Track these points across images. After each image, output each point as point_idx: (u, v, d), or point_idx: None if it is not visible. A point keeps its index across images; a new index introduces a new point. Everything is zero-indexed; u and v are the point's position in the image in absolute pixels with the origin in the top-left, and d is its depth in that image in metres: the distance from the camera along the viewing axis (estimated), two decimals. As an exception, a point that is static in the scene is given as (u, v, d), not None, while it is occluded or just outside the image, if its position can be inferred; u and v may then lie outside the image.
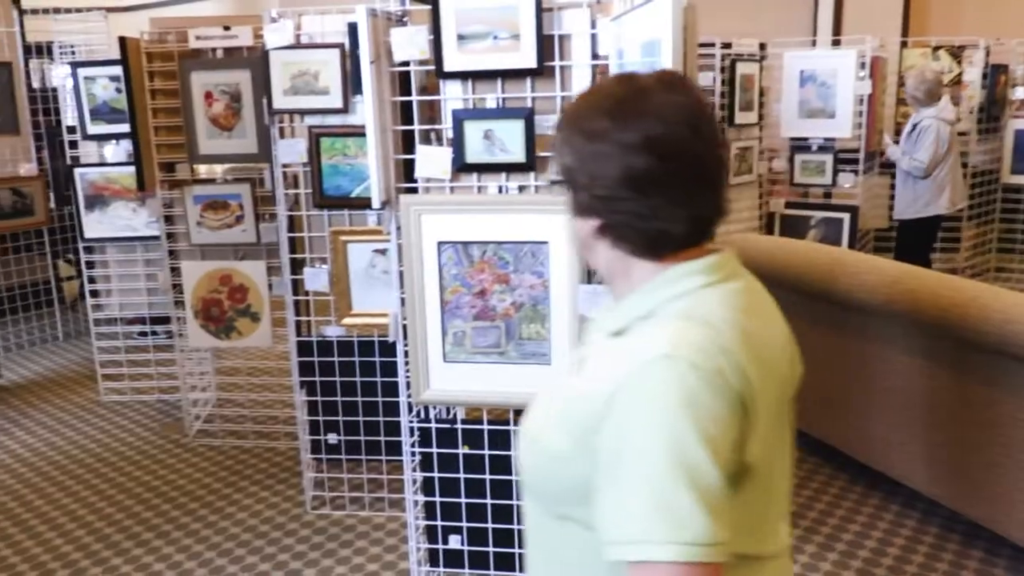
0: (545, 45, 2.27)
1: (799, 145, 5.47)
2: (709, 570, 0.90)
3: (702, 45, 4.96)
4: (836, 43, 6.62)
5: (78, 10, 5.90)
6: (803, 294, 3.48)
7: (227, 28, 3.71)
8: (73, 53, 5.33)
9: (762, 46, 5.78)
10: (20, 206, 5.32)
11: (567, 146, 1.08)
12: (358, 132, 3.09)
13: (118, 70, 4.06)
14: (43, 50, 6.06)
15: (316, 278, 3.21)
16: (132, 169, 4.07)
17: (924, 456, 3.10)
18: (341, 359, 3.31)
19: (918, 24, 7.03)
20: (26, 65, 5.74)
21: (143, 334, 5.15)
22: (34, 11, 5.75)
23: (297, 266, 3.33)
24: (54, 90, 5.84)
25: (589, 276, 2.36)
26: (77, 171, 4.59)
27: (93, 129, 4.55)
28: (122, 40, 3.69)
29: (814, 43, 6.81)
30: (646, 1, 1.75)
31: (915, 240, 5.41)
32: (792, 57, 5.39)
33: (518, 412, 2.55)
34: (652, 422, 0.94)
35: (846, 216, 5.29)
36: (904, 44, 6.55)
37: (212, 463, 3.87)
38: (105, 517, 3.40)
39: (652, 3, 1.69)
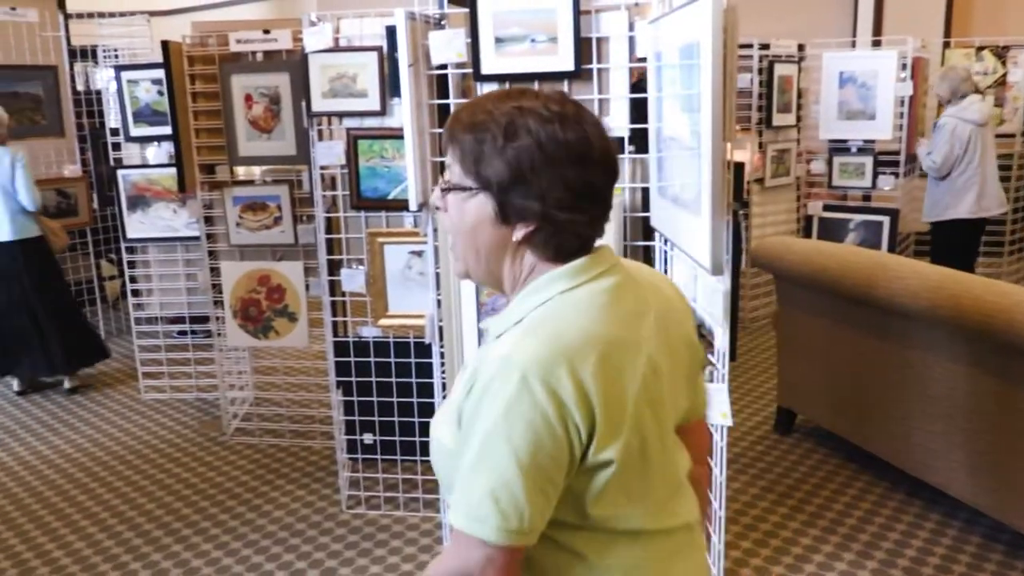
0: (582, 48, 2.27)
1: (838, 147, 5.40)
2: (516, 552, 1.05)
3: (740, 47, 4.92)
4: (876, 44, 6.52)
5: (122, 14, 6.01)
6: (842, 298, 3.43)
7: (267, 32, 3.76)
8: (116, 57, 5.43)
9: (800, 47, 5.72)
10: (64, 206, 5.42)
11: (521, 153, 1.08)
12: (395, 134, 3.12)
13: (160, 73, 4.13)
14: (88, 54, 6.19)
15: (353, 279, 3.24)
16: (173, 171, 4.15)
17: (966, 464, 3.05)
18: (377, 359, 3.33)
19: (961, 24, 6.91)
20: (71, 69, 5.86)
21: (182, 333, 5.23)
22: (79, 15, 5.87)
23: (334, 267, 3.36)
24: (98, 93, 5.96)
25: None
26: (120, 172, 4.67)
27: (136, 131, 4.63)
28: (164, 44, 3.75)
29: (854, 44, 6.71)
30: (686, 3, 1.74)
31: (945, 243, 5.24)
32: (831, 58, 5.33)
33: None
34: (490, 417, 1.03)
35: (886, 219, 5.22)
36: (947, 44, 6.45)
37: (249, 461, 3.91)
38: (145, 513, 3.46)
39: (692, 5, 1.68)
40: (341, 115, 3.23)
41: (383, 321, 3.29)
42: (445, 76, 2.44)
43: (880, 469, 3.54)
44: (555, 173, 1.08)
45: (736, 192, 1.72)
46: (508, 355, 1.05)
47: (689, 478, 1.25)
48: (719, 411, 1.79)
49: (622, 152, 2.33)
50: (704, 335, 1.85)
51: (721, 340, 1.76)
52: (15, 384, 4.92)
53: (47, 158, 5.74)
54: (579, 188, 1.09)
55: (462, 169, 1.11)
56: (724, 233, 1.66)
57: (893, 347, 3.28)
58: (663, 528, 1.18)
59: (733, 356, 1.79)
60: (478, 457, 1.05)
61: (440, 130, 2.47)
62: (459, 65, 2.40)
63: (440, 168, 2.50)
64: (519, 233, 1.11)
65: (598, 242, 1.16)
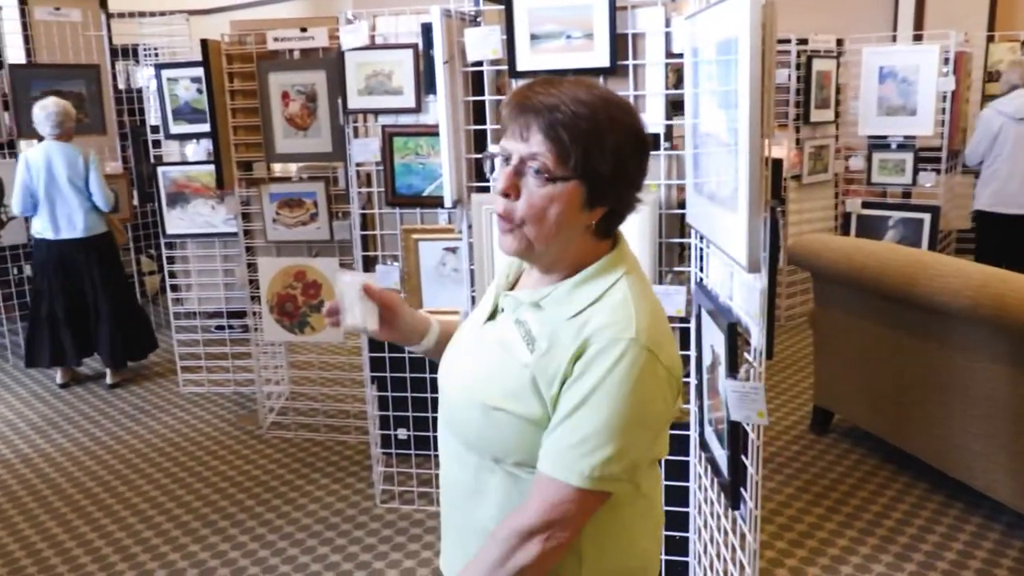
0: (618, 44, 2.26)
1: (877, 143, 5.32)
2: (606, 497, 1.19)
3: (777, 42, 4.86)
4: (918, 38, 6.41)
5: (162, 13, 6.11)
6: (882, 296, 3.38)
7: (304, 30, 3.79)
8: (156, 55, 5.52)
9: (839, 42, 5.64)
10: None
11: (620, 144, 1.17)
12: (431, 131, 3.13)
13: (199, 71, 4.19)
14: (128, 53, 6.29)
15: (388, 275, 3.25)
16: (212, 167, 4.20)
17: (1009, 467, 2.99)
18: (411, 355, 3.35)
19: (1005, 17, 6.77)
20: (113, 67, 5.96)
21: (220, 328, 5.30)
22: (120, 15, 5.97)
23: (369, 263, 3.38)
24: (139, 91, 6.06)
25: (660, 277, 2.34)
26: (160, 169, 4.75)
27: (175, 129, 4.70)
28: (203, 43, 3.80)
29: (894, 38, 6.61)
30: (723, -1, 1.72)
31: (979, 236, 5.37)
32: (871, 53, 5.25)
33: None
34: (620, 391, 1.14)
35: (926, 216, 5.13)
36: (991, 38, 6.32)
37: (285, 455, 3.96)
38: (183, 504, 3.52)
39: (729, 1, 1.67)
40: (377, 112, 3.25)
41: (417, 317, 3.30)
42: (480, 73, 2.44)
43: (919, 470, 3.48)
44: (639, 162, 1.21)
45: (774, 189, 1.70)
46: (624, 330, 1.15)
47: None
48: (755, 410, 1.77)
49: (656, 149, 2.32)
50: (740, 333, 1.84)
51: (757, 338, 1.75)
52: (58, 376, 5.02)
53: (89, 155, 5.86)
54: (644, 175, 1.23)
55: (557, 157, 1.15)
56: (761, 230, 1.64)
57: (934, 346, 3.22)
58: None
59: (769, 355, 1.77)
60: (607, 424, 1.14)
61: (475, 127, 2.48)
62: (494, 62, 2.40)
63: (476, 163, 2.50)
64: (596, 216, 1.20)
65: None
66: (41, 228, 4.69)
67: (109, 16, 5.89)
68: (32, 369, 5.11)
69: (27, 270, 5.68)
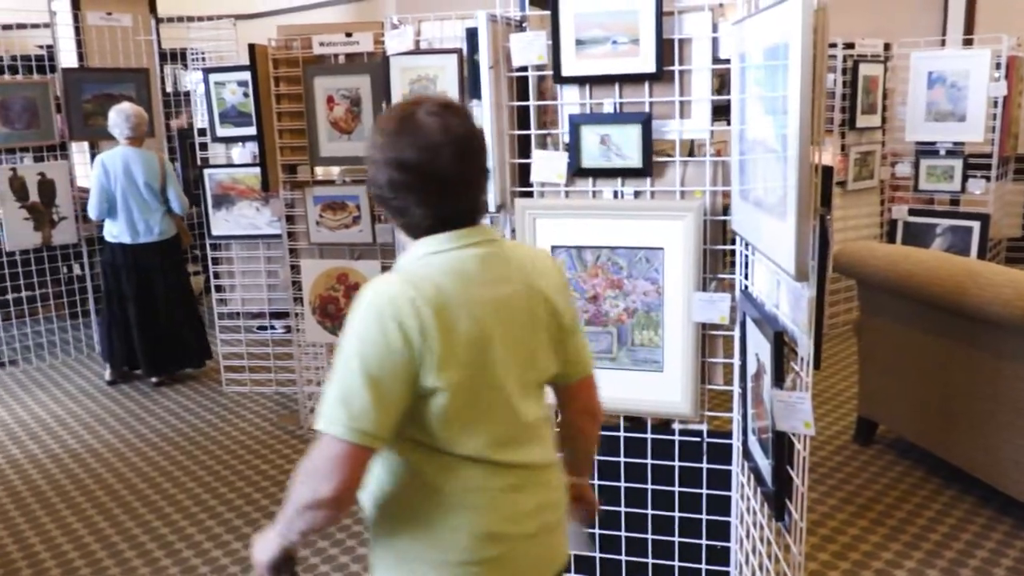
0: (664, 49, 2.25)
1: (925, 149, 5.23)
2: (364, 451, 1.29)
3: (824, 46, 4.80)
4: (968, 42, 6.29)
5: (209, 18, 6.21)
6: (930, 306, 3.32)
7: (349, 35, 3.83)
8: (204, 59, 5.61)
9: (887, 46, 5.55)
10: (153, 204, 5.62)
11: (369, 170, 1.41)
12: (474, 136, 3.14)
13: (246, 75, 4.25)
14: (176, 57, 6.41)
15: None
16: (257, 170, 4.26)
17: (1061, 482, 2.92)
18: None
19: (1060, 21, 6.61)
20: (161, 71, 6.08)
21: (263, 328, 5.37)
22: (169, 20, 6.08)
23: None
24: (186, 94, 6.17)
25: (704, 284, 2.32)
26: (206, 172, 4.82)
27: (222, 132, 4.77)
28: (251, 47, 3.86)
29: (943, 43, 6.49)
30: (774, 3, 1.71)
31: None
32: (920, 58, 5.16)
33: (628, 419, 2.54)
34: (347, 335, 1.32)
35: (976, 224, 5.03)
36: (1044, 42, 6.17)
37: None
38: (225, 501, 3.56)
39: (780, 5, 1.65)
40: (421, 117, 3.27)
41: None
42: (525, 78, 2.44)
43: (966, 483, 3.41)
44: (393, 189, 1.38)
45: (824, 196, 1.68)
46: (370, 286, 1.35)
47: (575, 429, 1.62)
48: (802, 420, 1.75)
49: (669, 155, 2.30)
50: (787, 342, 1.81)
51: (805, 348, 1.72)
52: (107, 374, 5.12)
53: (138, 157, 5.98)
54: (408, 198, 1.38)
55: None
56: (810, 238, 1.62)
57: (984, 357, 3.16)
58: (503, 461, 1.40)
59: (817, 365, 1.75)
60: (336, 368, 1.32)
61: (520, 132, 2.48)
62: (539, 67, 2.40)
63: (520, 168, 2.50)
64: (397, 223, 1.45)
65: (485, 221, 1.46)
66: (118, 232, 4.78)
67: (158, 21, 6.01)
68: (80, 362, 5.21)
69: (76, 269, 5.81)
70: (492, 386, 1.38)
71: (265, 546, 1.44)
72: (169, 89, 6.58)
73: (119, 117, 4.68)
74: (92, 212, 4.79)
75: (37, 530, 3.41)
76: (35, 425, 4.51)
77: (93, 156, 5.84)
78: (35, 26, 5.82)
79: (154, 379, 5.03)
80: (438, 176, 1.35)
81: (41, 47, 5.95)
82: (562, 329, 1.50)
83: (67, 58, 5.72)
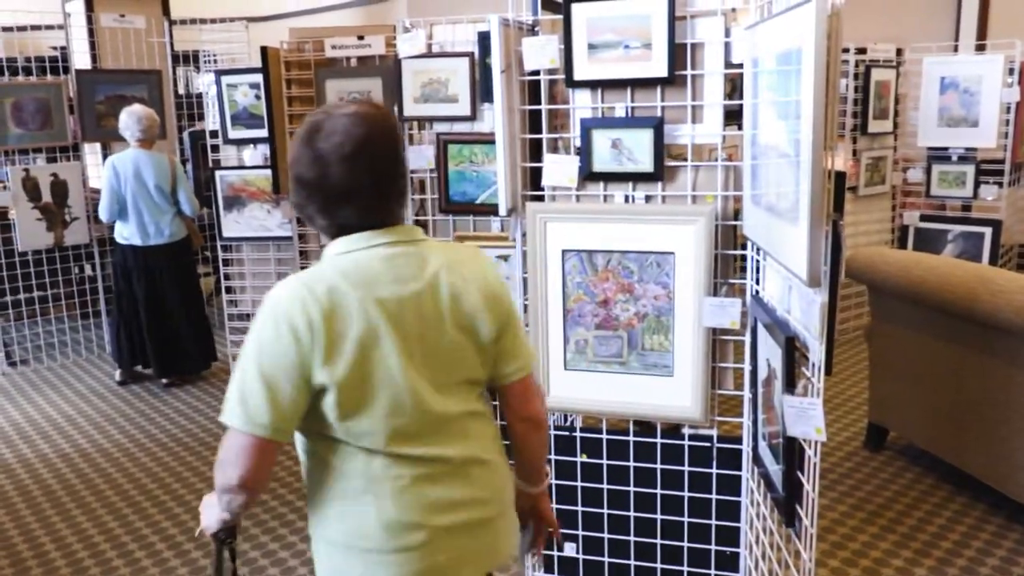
0: (677, 54, 2.25)
1: (937, 155, 5.20)
2: (264, 442, 1.39)
3: (835, 51, 4.79)
4: (980, 48, 6.26)
5: (222, 20, 6.24)
6: (941, 312, 3.31)
7: (361, 38, 3.84)
8: (216, 62, 5.63)
9: (899, 52, 5.54)
10: (165, 205, 5.64)
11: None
12: (485, 139, 3.15)
13: (258, 78, 4.27)
14: (189, 59, 6.44)
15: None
16: (268, 172, 4.27)
17: (1073, 490, 2.90)
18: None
19: (1074, 27, 6.57)
20: (173, 73, 6.10)
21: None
22: (182, 22, 6.11)
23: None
24: (198, 96, 6.19)
25: (715, 289, 2.32)
26: (217, 173, 4.84)
27: (233, 134, 4.79)
28: (263, 50, 3.88)
29: (956, 48, 6.46)
30: (788, 8, 1.70)
31: None
32: (932, 63, 5.14)
33: (638, 423, 2.53)
34: (248, 336, 1.43)
35: (987, 230, 5.00)
36: (1058, 48, 6.14)
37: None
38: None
39: (794, 10, 1.65)
40: (432, 120, 3.28)
41: (468, 324, 3.32)
42: (536, 82, 2.45)
43: (978, 491, 3.39)
44: (297, 196, 1.49)
45: (837, 202, 1.67)
46: (272, 289, 1.44)
47: (515, 435, 1.63)
48: (813, 426, 1.74)
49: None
50: (798, 347, 1.81)
51: (817, 353, 1.72)
52: (117, 375, 5.14)
53: (150, 158, 6.00)
54: (309, 205, 1.49)
55: None
56: (822, 244, 1.62)
57: (996, 364, 3.14)
58: (406, 454, 1.46)
59: (828, 370, 1.74)
60: (238, 366, 1.42)
61: (532, 136, 2.49)
62: (551, 71, 2.41)
63: (531, 171, 2.51)
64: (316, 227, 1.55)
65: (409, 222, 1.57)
66: (129, 234, 4.81)
67: (171, 23, 6.03)
68: (91, 362, 5.23)
69: (88, 270, 5.84)
70: (388, 381, 1.43)
71: (209, 513, 1.58)
72: (181, 91, 6.61)
73: (130, 119, 4.70)
74: (103, 214, 4.81)
75: (47, 528, 3.42)
76: (46, 424, 4.53)
77: (105, 157, 5.88)
78: (49, 27, 5.85)
79: (164, 380, 5.05)
80: (332, 190, 1.43)
81: (55, 48, 5.99)
82: (487, 331, 1.52)
83: (80, 60, 5.75)
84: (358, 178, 1.43)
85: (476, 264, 1.56)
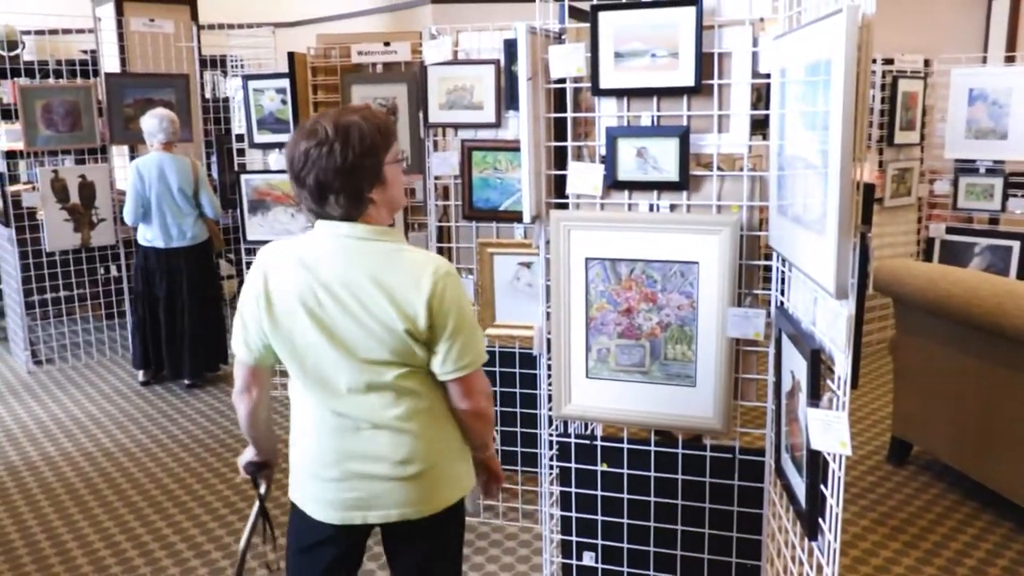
0: (704, 63, 2.24)
1: (965, 167, 5.15)
2: (244, 366, 1.85)
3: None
4: (1010, 59, 6.20)
5: (249, 25, 6.29)
6: (968, 326, 3.27)
7: (387, 44, 3.86)
8: (242, 66, 5.68)
9: (927, 62, 5.49)
10: (190, 208, 5.69)
11: None
12: (510, 146, 3.15)
13: (284, 83, 4.30)
14: (216, 63, 6.50)
15: (462, 288, 3.27)
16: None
17: (1102, 509, 2.85)
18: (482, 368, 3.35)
19: (1105, 39, 6.50)
20: (200, 77, 6.16)
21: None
22: (210, 26, 6.17)
23: (443, 275, 3.41)
24: (225, 100, 6.24)
25: (739, 299, 2.31)
26: (243, 177, 4.87)
27: (259, 138, 4.82)
28: (291, 55, 3.91)
29: (984, 59, 6.40)
30: (817, 19, 1.69)
31: None
32: (960, 74, 5.09)
33: (659, 432, 2.52)
34: None
35: (1016, 244, 4.94)
36: (1089, 60, 6.07)
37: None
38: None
39: (824, 21, 1.64)
40: (457, 126, 3.29)
41: (490, 331, 3.32)
42: (562, 90, 2.45)
43: (1003, 508, 3.35)
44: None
45: (865, 214, 1.66)
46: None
47: (459, 420, 1.84)
48: (837, 439, 1.73)
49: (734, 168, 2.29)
50: (824, 360, 1.79)
51: (842, 366, 1.70)
52: (140, 375, 5.19)
53: (176, 162, 6.06)
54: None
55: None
56: (850, 256, 1.61)
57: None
58: (330, 407, 1.77)
59: (854, 384, 1.73)
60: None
61: (556, 143, 2.49)
62: (576, 79, 2.41)
63: (556, 179, 2.51)
64: None
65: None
66: (152, 237, 4.87)
67: (199, 28, 6.09)
68: (115, 362, 5.28)
69: (113, 270, 5.90)
70: (312, 343, 1.73)
71: (245, 452, 2.02)
72: (208, 95, 6.66)
73: (155, 122, 4.76)
74: (127, 217, 4.86)
75: (69, 526, 3.45)
76: (69, 423, 4.58)
77: (132, 160, 5.94)
78: (80, 31, 5.94)
79: (186, 381, 5.09)
80: (297, 186, 1.73)
81: (85, 52, 6.07)
82: (400, 327, 1.69)
83: (110, 63, 5.82)
84: (312, 177, 1.69)
85: (411, 277, 1.71)
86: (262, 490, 2.05)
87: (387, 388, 1.75)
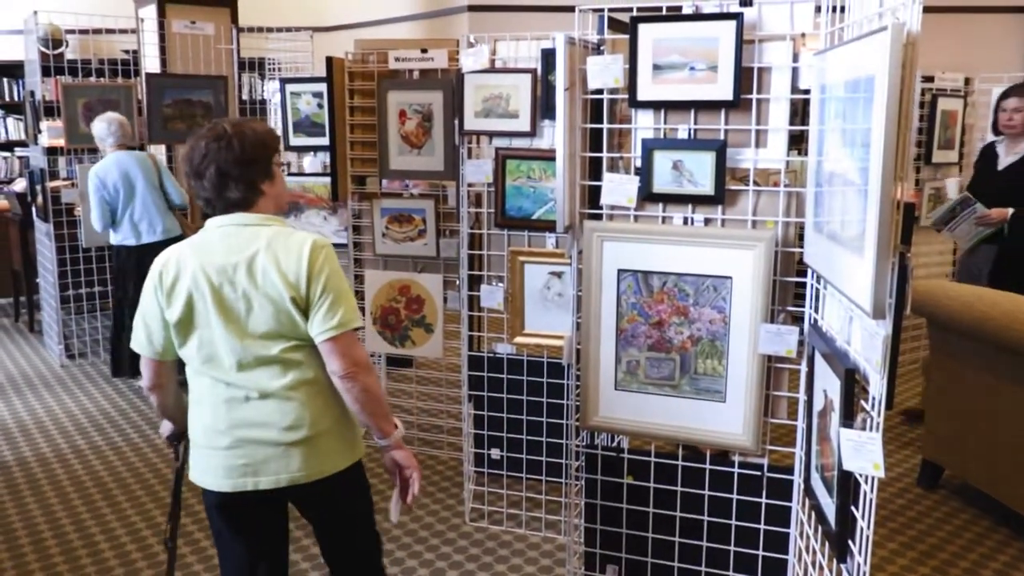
0: (743, 77, 2.23)
1: (1004, 188, 5.06)
2: (149, 359, 2.07)
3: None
4: (1053, 79, 6.09)
5: (288, 29, 6.36)
6: (1006, 350, 3.21)
7: (424, 51, 3.88)
8: (279, 69, 5.73)
9: (967, 81, 5.42)
10: (224, 208, 5.75)
11: None
12: (544, 156, 3.15)
13: (321, 87, 4.33)
14: (254, 65, 6.57)
15: (492, 296, 3.28)
16: (327, 180, 4.33)
17: None
18: (510, 376, 3.36)
19: None
20: (239, 79, 6.23)
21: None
22: (250, 29, 6.24)
23: (474, 282, 3.42)
24: (262, 102, 6.31)
25: (772, 315, 2.29)
26: (277, 179, 4.92)
27: (295, 141, 4.86)
28: (329, 60, 3.93)
29: (1026, 79, 6.30)
30: (861, 35, 1.68)
31: None
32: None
33: (686, 447, 2.50)
34: None
35: (1054, 267, 4.84)
36: None
37: (377, 464, 4.01)
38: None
39: (868, 38, 1.62)
40: (492, 134, 3.29)
41: (518, 339, 3.32)
42: (599, 101, 2.45)
43: (1036, 537, 3.28)
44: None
45: (904, 234, 1.64)
46: None
47: (337, 387, 1.98)
48: (871, 461, 1.70)
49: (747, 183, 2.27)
50: (858, 380, 1.77)
51: (877, 387, 1.68)
52: (141, 381, 5.19)
53: (212, 162, 6.12)
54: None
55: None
56: (888, 275, 1.59)
57: (1060, 407, 3.04)
58: (220, 379, 1.97)
59: (889, 405, 1.71)
60: None
61: (591, 154, 2.49)
62: (613, 90, 2.40)
63: (589, 189, 2.51)
64: None
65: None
66: (122, 236, 4.88)
67: (239, 30, 6.17)
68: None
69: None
70: (205, 324, 1.96)
71: (163, 425, 2.31)
72: (245, 97, 6.74)
73: (104, 126, 4.81)
74: (97, 225, 4.84)
75: (96, 519, 3.49)
76: (100, 417, 4.64)
77: (170, 160, 6.03)
78: (123, 31, 6.03)
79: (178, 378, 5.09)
80: (196, 178, 1.97)
81: (126, 52, 6.16)
82: (288, 300, 1.92)
83: (150, 63, 5.91)
84: (204, 173, 1.95)
85: (294, 249, 1.95)
86: (180, 460, 2.36)
87: (274, 361, 1.95)
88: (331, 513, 2.12)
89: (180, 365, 2.07)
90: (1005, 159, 4.35)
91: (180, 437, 2.28)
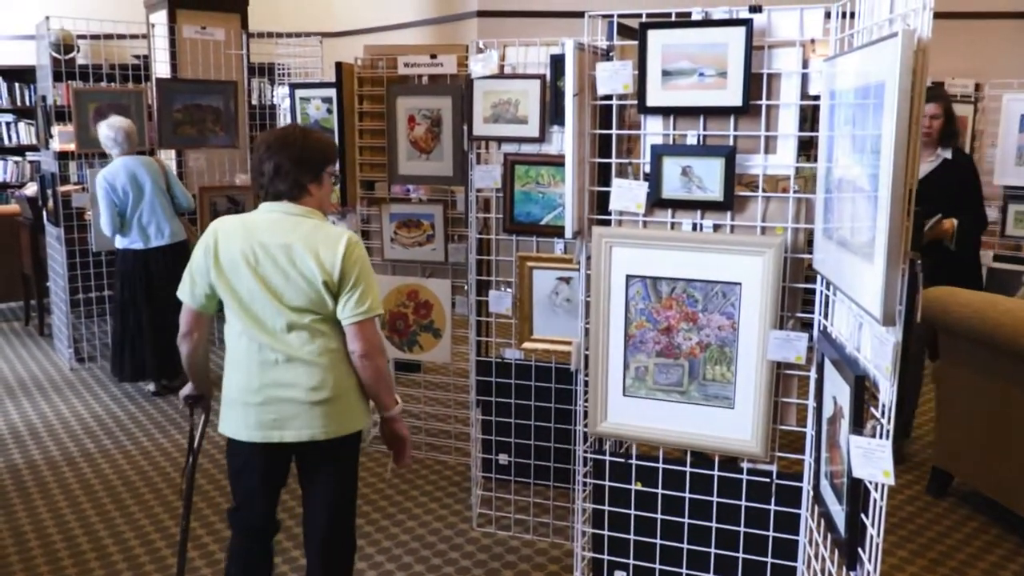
0: (752, 83, 2.23)
1: (1014, 194, 5.05)
2: (189, 310, 2.35)
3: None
4: (1063, 86, 6.07)
5: (297, 34, 6.38)
6: (1016, 358, 3.19)
7: (433, 56, 3.89)
8: (289, 74, 5.75)
9: (977, 87, 5.41)
10: (233, 212, 5.76)
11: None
12: (553, 161, 3.15)
13: (330, 92, 4.35)
14: (264, 71, 6.59)
15: (500, 301, 3.28)
16: (336, 184, 4.34)
17: None
18: (518, 382, 3.36)
19: None
20: (248, 84, 6.26)
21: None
22: (260, 35, 6.26)
23: (482, 287, 3.42)
24: (271, 107, 6.33)
25: (782, 322, 2.28)
26: (286, 184, 4.93)
27: (304, 146, 4.87)
28: (338, 65, 3.95)
29: (1037, 85, 6.28)
30: (871, 42, 1.68)
31: None
32: (1012, 99, 5.00)
33: (695, 454, 2.50)
34: None
35: (1065, 274, 4.83)
36: None
37: (385, 469, 4.02)
38: (286, 510, 3.61)
39: (878, 44, 1.62)
40: (501, 140, 3.30)
41: (526, 344, 3.32)
42: (608, 106, 2.45)
43: (1047, 545, 3.26)
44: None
45: (915, 240, 1.64)
46: None
47: (353, 364, 2.30)
48: (881, 468, 1.70)
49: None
50: (868, 387, 1.76)
51: (887, 394, 1.67)
52: (151, 386, 5.17)
53: (221, 167, 6.16)
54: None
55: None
56: (898, 282, 1.58)
57: (1071, 414, 3.02)
58: (258, 341, 2.24)
59: (900, 412, 1.70)
60: None
61: (600, 160, 2.49)
62: (622, 96, 2.40)
63: (598, 195, 2.50)
64: None
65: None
66: (130, 240, 4.87)
67: (249, 36, 6.19)
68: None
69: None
70: (246, 292, 2.23)
71: (186, 387, 2.56)
72: (255, 101, 6.76)
73: (111, 134, 4.79)
74: (106, 229, 4.84)
75: (106, 523, 3.51)
76: (109, 421, 4.65)
77: (179, 164, 6.05)
78: (134, 36, 6.06)
79: (151, 388, 5.10)
80: (257, 174, 2.29)
81: (137, 57, 6.20)
82: (319, 282, 2.20)
83: (161, 69, 5.94)
84: (266, 167, 2.25)
85: (332, 240, 2.23)
86: (198, 419, 2.69)
87: (304, 328, 2.24)
88: (333, 468, 2.38)
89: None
90: (921, 168, 4.28)
91: (197, 400, 2.56)
